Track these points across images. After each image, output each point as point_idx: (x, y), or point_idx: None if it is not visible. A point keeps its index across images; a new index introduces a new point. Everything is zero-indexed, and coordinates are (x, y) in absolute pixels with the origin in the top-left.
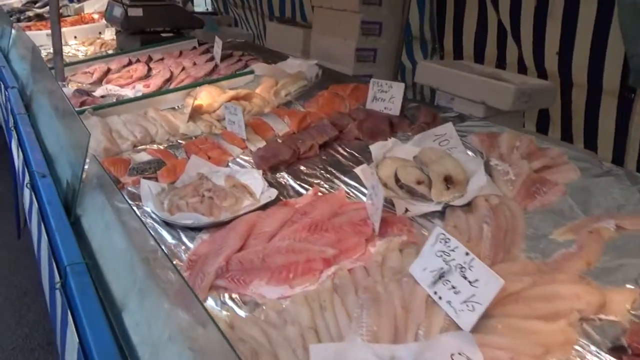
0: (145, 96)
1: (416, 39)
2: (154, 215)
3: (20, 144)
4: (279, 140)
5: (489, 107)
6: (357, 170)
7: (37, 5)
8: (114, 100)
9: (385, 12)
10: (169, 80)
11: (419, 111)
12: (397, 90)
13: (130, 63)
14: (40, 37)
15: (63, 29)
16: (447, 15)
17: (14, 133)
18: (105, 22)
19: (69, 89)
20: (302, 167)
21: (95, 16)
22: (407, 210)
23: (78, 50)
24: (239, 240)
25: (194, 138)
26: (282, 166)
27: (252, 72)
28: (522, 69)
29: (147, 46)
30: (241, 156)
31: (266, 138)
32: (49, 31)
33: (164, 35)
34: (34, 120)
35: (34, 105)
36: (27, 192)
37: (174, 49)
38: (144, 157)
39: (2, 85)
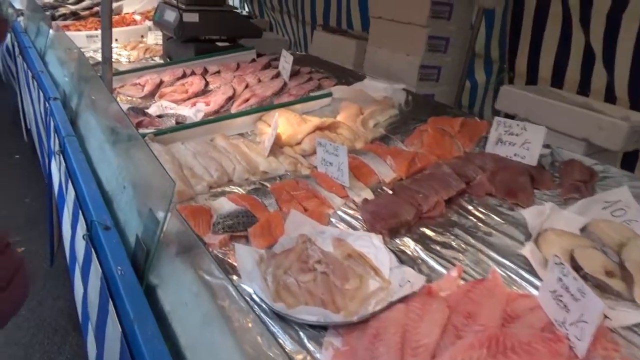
0: (211, 120)
1: (479, 57)
2: (255, 297)
3: (72, 177)
4: (388, 190)
5: (590, 145)
6: (525, 252)
7: (71, 1)
8: (173, 121)
9: (453, 28)
10: (231, 98)
11: (570, 165)
12: (534, 134)
13: (184, 75)
14: (80, 38)
15: None
16: (522, 34)
17: (59, 158)
18: (150, 25)
19: (121, 104)
20: (426, 231)
21: (137, 17)
22: (605, 316)
23: (120, 54)
24: (394, 358)
25: (278, 179)
26: (403, 228)
27: (329, 94)
28: (610, 98)
29: (201, 56)
30: (341, 208)
31: (369, 185)
32: (90, 32)
33: (219, 44)
34: (81, 142)
35: (81, 123)
36: (80, 243)
37: (230, 61)
38: (225, 204)
39: (42, 95)
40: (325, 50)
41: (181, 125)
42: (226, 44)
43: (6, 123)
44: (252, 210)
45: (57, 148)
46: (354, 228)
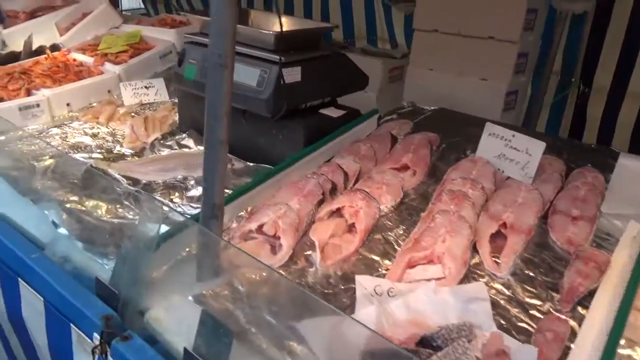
0: None
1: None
2: None
3: None
4: None
5: None
6: None
7: None
8: None
9: (532, 39)
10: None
11: None
12: None
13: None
14: (10, 114)
15: (46, 93)
16: (607, 43)
17: None
18: (120, 73)
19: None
20: None
21: (80, 57)
22: None
23: (106, 140)
24: None
25: None
26: None
27: None
28: None
29: (314, 146)
30: None
31: None
32: (22, 101)
33: (323, 111)
34: None
35: None
36: None
37: (345, 142)
38: None
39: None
40: None
41: None
42: (337, 111)
43: None
44: None
45: None
46: None
